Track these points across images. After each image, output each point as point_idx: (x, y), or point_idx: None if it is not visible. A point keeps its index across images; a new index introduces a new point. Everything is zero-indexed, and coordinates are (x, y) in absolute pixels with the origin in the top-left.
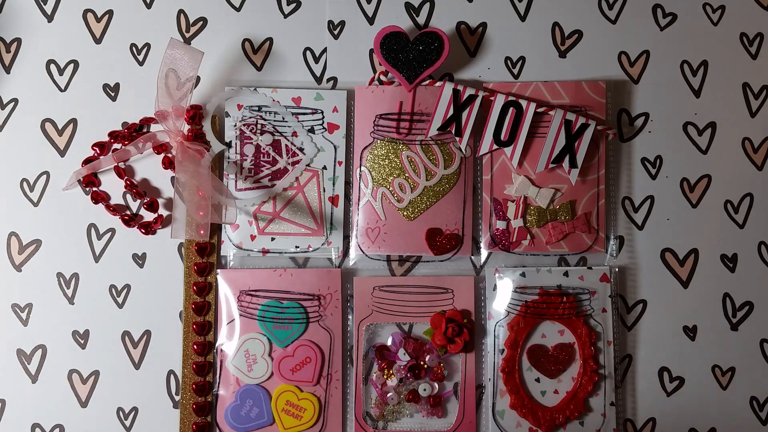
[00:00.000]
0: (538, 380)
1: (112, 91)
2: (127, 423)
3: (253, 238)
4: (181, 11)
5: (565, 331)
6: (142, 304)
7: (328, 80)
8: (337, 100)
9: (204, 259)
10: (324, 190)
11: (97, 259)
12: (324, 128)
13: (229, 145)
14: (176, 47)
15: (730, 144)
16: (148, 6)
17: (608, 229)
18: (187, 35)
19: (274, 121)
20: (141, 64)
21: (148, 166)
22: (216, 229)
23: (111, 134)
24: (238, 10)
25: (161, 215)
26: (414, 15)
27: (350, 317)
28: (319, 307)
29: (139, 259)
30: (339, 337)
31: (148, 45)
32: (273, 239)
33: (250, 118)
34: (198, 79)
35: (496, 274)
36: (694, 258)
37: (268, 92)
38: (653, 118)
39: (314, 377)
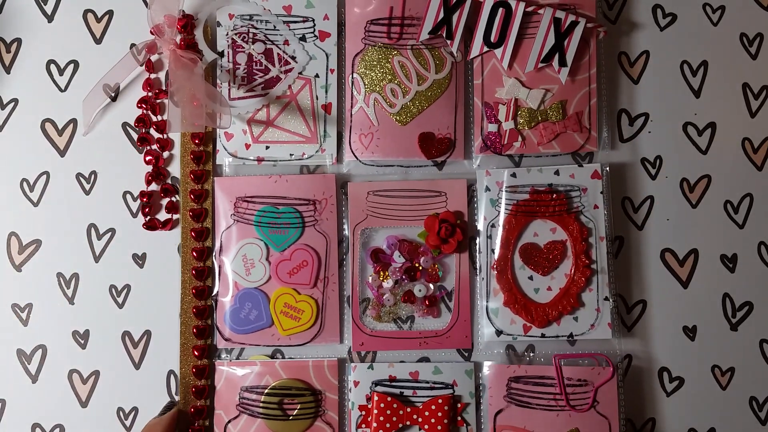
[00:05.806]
0: (531, 278)
1: (112, 91)
2: (127, 423)
3: (247, 146)
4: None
5: (557, 228)
6: (142, 304)
7: None
8: (327, 8)
9: (200, 167)
10: (317, 98)
11: (97, 259)
12: (315, 36)
13: (221, 54)
14: None
15: (730, 144)
16: (148, 6)
17: (600, 126)
18: None
19: (266, 29)
20: (141, 64)
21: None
22: (211, 138)
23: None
24: None
25: (171, 219)
26: None
27: (345, 221)
28: (314, 212)
29: (139, 259)
30: (335, 240)
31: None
32: (267, 147)
33: (242, 27)
34: None
35: (487, 176)
36: (694, 258)
37: (259, 1)
38: (653, 118)
39: (311, 280)
